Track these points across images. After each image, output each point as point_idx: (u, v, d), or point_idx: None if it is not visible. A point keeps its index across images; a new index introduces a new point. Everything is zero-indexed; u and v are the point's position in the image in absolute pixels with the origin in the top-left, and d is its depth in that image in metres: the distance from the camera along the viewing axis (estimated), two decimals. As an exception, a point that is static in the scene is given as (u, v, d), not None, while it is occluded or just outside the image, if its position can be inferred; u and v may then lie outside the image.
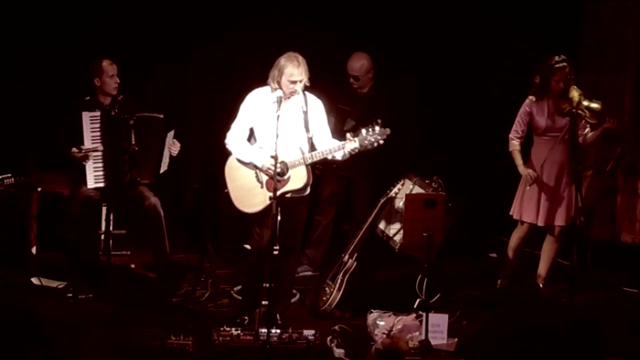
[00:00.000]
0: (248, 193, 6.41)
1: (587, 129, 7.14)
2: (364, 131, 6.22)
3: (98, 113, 7.19)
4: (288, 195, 6.34)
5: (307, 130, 6.38)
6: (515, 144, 7.20)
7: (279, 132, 6.15)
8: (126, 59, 7.55)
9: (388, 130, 6.24)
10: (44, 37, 8.29)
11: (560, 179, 7.13)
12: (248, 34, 8.48)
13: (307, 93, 6.45)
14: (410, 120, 8.61)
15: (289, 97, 6.34)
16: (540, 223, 7.15)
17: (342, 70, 7.66)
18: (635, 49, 8.21)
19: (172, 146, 7.35)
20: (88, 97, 7.31)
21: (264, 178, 6.38)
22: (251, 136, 6.50)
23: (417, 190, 6.89)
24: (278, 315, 6.50)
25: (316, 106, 6.48)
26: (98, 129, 7.19)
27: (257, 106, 6.41)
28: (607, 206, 8.24)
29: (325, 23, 8.42)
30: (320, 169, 7.43)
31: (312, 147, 6.40)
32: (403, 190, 6.92)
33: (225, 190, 6.49)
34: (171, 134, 7.34)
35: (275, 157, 6.14)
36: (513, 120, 7.23)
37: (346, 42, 8.16)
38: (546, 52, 7.20)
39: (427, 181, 6.90)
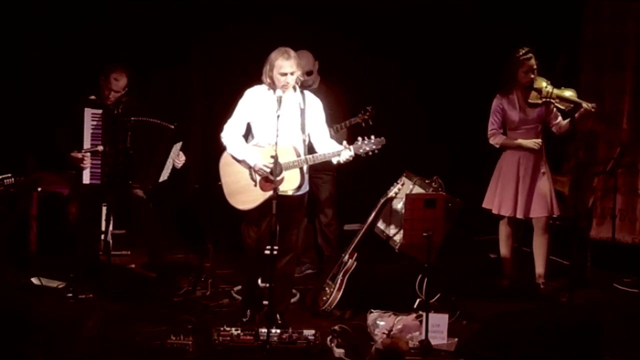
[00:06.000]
0: (241, 190, 6.40)
1: (559, 119, 7.22)
2: (359, 140, 6.34)
3: (100, 111, 7.19)
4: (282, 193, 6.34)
5: (303, 132, 6.37)
6: (498, 136, 7.27)
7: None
8: (127, 61, 7.56)
9: (384, 140, 6.37)
10: (46, 38, 8.28)
11: (537, 171, 7.19)
12: (250, 37, 8.47)
13: (305, 91, 6.46)
14: (409, 120, 8.63)
15: (284, 92, 6.34)
16: (519, 215, 7.20)
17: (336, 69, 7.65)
18: (635, 48, 8.20)
19: (177, 158, 7.28)
20: (93, 96, 7.31)
21: (258, 177, 6.38)
22: (248, 133, 6.50)
23: (417, 190, 6.89)
24: (278, 316, 6.50)
25: (314, 105, 6.48)
26: (98, 127, 7.19)
27: (255, 103, 6.42)
28: (607, 206, 8.23)
29: (328, 24, 8.43)
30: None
31: (309, 147, 6.41)
32: (403, 190, 6.92)
33: (219, 183, 6.50)
34: (178, 145, 7.29)
35: (275, 157, 6.15)
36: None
37: (345, 42, 8.19)
38: (546, 51, 7.20)
39: (427, 181, 6.90)
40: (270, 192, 6.23)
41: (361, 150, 6.33)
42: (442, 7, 8.52)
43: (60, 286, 7.09)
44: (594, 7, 8.37)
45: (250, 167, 6.37)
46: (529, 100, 7.16)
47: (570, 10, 8.36)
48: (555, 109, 7.18)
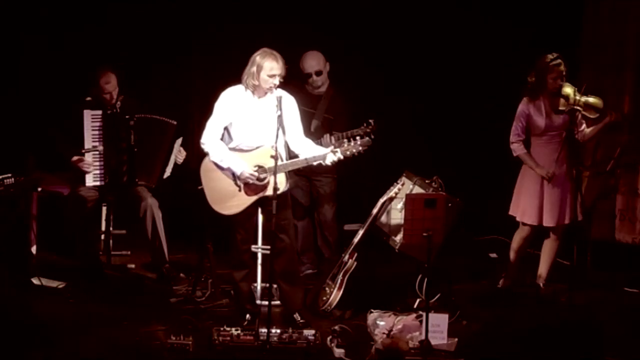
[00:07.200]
0: (225, 195, 6.41)
1: (584, 126, 7.12)
2: (346, 142, 6.39)
3: (100, 112, 7.20)
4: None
5: (284, 133, 6.32)
6: (520, 147, 7.14)
7: (258, 134, 6.27)
8: (128, 60, 7.56)
9: (370, 141, 6.41)
10: (46, 38, 8.28)
11: (565, 179, 7.10)
12: (250, 37, 8.46)
13: (280, 90, 6.42)
14: (410, 120, 8.62)
15: (265, 94, 6.35)
16: (551, 224, 7.08)
17: (334, 67, 7.63)
18: (635, 48, 8.20)
19: (179, 154, 7.34)
20: (89, 98, 7.32)
21: (242, 183, 6.38)
22: (223, 135, 6.50)
23: (417, 190, 6.89)
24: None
25: (289, 103, 6.46)
26: (99, 128, 7.20)
27: (233, 104, 6.41)
28: (607, 206, 8.22)
29: (328, 24, 8.43)
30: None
31: (288, 147, 6.42)
32: (403, 190, 6.92)
33: (200, 187, 6.49)
34: (179, 141, 7.32)
35: (275, 157, 6.16)
36: (513, 119, 7.20)
37: (345, 41, 8.18)
38: (546, 50, 7.19)
39: (427, 181, 6.89)
40: (255, 197, 6.33)
41: (348, 153, 6.38)
42: (442, 7, 8.51)
43: (60, 286, 7.09)
44: (594, 7, 8.36)
45: (233, 176, 6.38)
46: (559, 108, 7.01)
47: (570, 11, 8.35)
48: (580, 117, 7.04)
